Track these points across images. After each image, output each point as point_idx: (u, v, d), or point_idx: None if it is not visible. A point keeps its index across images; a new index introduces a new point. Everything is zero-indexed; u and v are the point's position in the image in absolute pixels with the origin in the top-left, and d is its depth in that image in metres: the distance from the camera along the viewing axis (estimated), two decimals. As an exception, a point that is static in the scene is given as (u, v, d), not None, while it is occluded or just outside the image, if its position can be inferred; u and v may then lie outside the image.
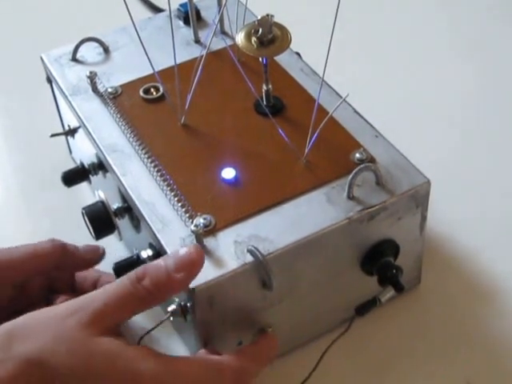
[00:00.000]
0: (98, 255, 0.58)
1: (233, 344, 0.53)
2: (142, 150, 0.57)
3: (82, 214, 0.58)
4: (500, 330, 0.58)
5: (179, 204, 0.53)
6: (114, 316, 0.45)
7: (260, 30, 0.54)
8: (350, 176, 0.52)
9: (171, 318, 0.51)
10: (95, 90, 0.64)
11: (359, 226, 0.52)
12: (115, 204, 0.58)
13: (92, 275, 0.58)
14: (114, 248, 0.63)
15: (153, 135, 0.59)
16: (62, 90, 0.65)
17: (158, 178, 0.55)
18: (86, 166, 0.64)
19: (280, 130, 0.57)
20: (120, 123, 0.60)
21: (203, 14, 0.72)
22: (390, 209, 0.53)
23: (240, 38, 0.55)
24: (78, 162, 0.66)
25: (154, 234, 0.52)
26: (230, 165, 0.55)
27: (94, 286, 0.58)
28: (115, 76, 0.66)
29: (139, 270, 0.47)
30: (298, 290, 0.53)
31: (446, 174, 0.69)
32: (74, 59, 0.68)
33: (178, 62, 0.59)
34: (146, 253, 0.54)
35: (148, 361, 0.44)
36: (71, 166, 0.66)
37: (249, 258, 0.49)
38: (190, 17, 0.68)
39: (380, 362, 0.57)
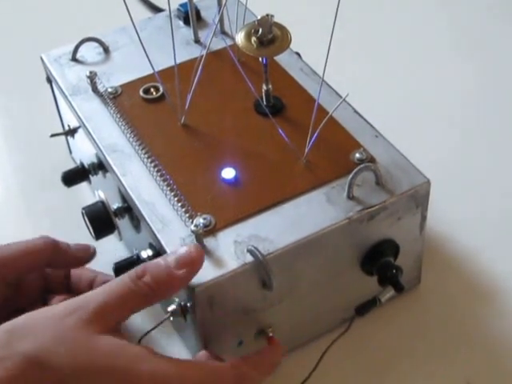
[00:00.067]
0: (89, 254, 0.58)
1: (233, 344, 0.53)
2: (141, 149, 0.57)
3: (82, 213, 0.58)
4: (500, 330, 0.58)
5: (179, 204, 0.53)
6: (114, 314, 0.45)
7: (260, 30, 0.54)
8: (350, 176, 0.52)
9: (171, 318, 0.51)
10: (95, 89, 0.64)
11: (359, 225, 0.52)
12: (115, 204, 0.58)
13: (88, 275, 0.58)
14: (114, 248, 0.64)
15: (153, 135, 0.59)
16: (61, 89, 0.65)
17: (158, 177, 0.55)
18: (86, 166, 0.64)
19: (280, 130, 0.57)
20: (120, 123, 0.60)
21: (203, 13, 0.72)
22: (390, 209, 0.53)
23: (240, 38, 0.55)
24: (78, 162, 0.66)
25: (154, 234, 0.52)
26: (229, 165, 0.55)
27: (90, 285, 0.57)
28: (115, 76, 0.66)
29: (139, 267, 0.47)
30: (297, 290, 0.53)
31: (446, 174, 0.69)
32: (74, 59, 0.68)
33: (178, 61, 0.59)
34: (146, 253, 0.54)
35: (148, 362, 0.44)
36: (71, 165, 0.66)
37: (249, 258, 0.49)
38: (190, 17, 0.68)
39: (380, 362, 0.57)
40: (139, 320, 0.51)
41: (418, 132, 0.75)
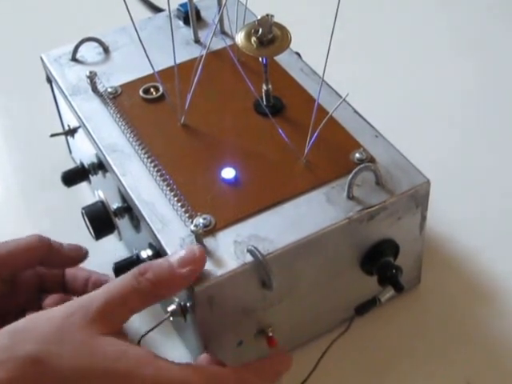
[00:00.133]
0: (81, 254, 0.58)
1: (233, 344, 0.53)
2: (141, 149, 0.57)
3: (82, 213, 0.58)
4: (500, 330, 0.58)
5: (179, 204, 0.53)
6: (117, 313, 0.45)
7: (260, 30, 0.54)
8: (350, 176, 0.52)
9: (171, 318, 0.51)
10: (95, 89, 0.64)
11: (359, 225, 0.52)
12: (115, 204, 0.58)
13: (82, 274, 0.58)
14: (114, 248, 0.64)
15: (153, 135, 0.59)
16: (61, 89, 0.65)
17: (158, 177, 0.55)
18: (86, 165, 0.64)
19: (280, 130, 0.57)
20: (120, 123, 0.60)
21: (203, 13, 0.72)
22: (390, 209, 0.53)
23: (240, 38, 0.55)
24: (78, 162, 0.66)
25: (154, 234, 0.52)
26: (229, 165, 0.55)
27: (85, 285, 0.58)
28: (115, 76, 0.66)
29: (141, 265, 0.47)
30: (297, 290, 0.53)
31: (446, 174, 0.69)
32: (74, 59, 0.68)
33: (178, 61, 0.59)
34: (146, 253, 0.54)
35: (151, 365, 0.44)
36: (71, 165, 0.66)
37: (248, 258, 0.49)
38: (190, 17, 0.68)
39: (380, 361, 0.57)
40: (139, 320, 0.51)
41: (417, 132, 0.75)
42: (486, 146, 0.74)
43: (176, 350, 0.58)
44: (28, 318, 0.45)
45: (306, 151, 0.55)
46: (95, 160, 0.62)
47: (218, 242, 0.51)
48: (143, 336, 0.49)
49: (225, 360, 0.50)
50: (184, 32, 0.70)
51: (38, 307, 0.54)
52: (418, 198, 0.54)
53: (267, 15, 0.55)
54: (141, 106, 0.62)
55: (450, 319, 0.59)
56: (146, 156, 0.57)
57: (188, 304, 0.50)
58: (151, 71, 0.58)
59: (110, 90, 0.63)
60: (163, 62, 0.63)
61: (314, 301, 0.55)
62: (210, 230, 0.51)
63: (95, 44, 0.69)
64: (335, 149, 0.56)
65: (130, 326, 0.47)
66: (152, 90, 0.63)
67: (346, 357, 0.56)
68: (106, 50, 0.69)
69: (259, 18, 0.54)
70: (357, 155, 0.55)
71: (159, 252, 0.52)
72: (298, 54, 0.67)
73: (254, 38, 0.55)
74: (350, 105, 0.60)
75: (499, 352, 0.57)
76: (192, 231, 0.50)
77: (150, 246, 0.54)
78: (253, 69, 0.62)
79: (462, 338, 0.58)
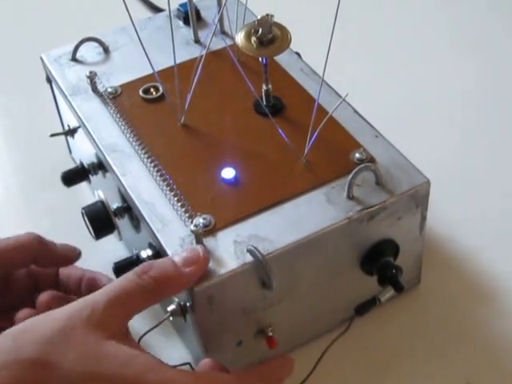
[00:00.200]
0: (74, 254, 0.58)
1: (232, 344, 0.53)
2: (141, 149, 0.57)
3: (82, 213, 0.58)
4: (500, 330, 0.58)
5: (179, 204, 0.53)
6: (120, 312, 0.45)
7: (260, 30, 0.54)
8: (350, 176, 0.52)
9: (171, 318, 0.51)
10: (95, 89, 0.64)
11: (359, 225, 0.52)
12: (115, 204, 0.58)
13: (76, 273, 0.58)
14: (114, 248, 0.64)
15: (152, 135, 0.59)
16: (61, 89, 0.65)
17: (158, 177, 0.55)
18: (86, 165, 0.64)
19: (280, 130, 0.57)
20: (120, 123, 0.60)
21: (203, 13, 0.72)
22: (390, 209, 0.53)
23: (240, 38, 0.55)
24: (78, 162, 0.66)
25: (154, 234, 0.52)
26: (229, 165, 0.55)
27: (79, 283, 0.58)
28: (115, 76, 0.66)
29: (144, 264, 0.47)
30: (297, 290, 0.53)
31: (446, 174, 0.69)
32: (74, 59, 0.68)
33: (178, 61, 0.59)
34: (146, 253, 0.54)
35: (156, 372, 0.43)
36: (71, 165, 0.66)
37: (248, 258, 0.49)
38: (190, 17, 0.68)
39: (380, 361, 0.57)
40: (139, 320, 0.51)
41: (418, 132, 0.75)
42: (485, 146, 0.74)
43: (176, 350, 0.58)
44: (31, 320, 0.45)
45: (305, 151, 0.55)
46: (95, 160, 0.62)
47: (217, 242, 0.51)
48: (143, 336, 0.49)
49: (225, 360, 0.50)
50: (184, 32, 0.70)
51: (32, 306, 0.54)
52: (418, 197, 0.54)
53: (267, 15, 0.55)
54: (141, 106, 0.62)
55: (450, 319, 0.59)
56: (145, 156, 0.57)
57: (188, 304, 0.50)
58: (151, 71, 0.58)
59: (110, 90, 0.63)
60: (163, 61, 0.63)
61: (313, 301, 0.55)
62: (209, 230, 0.51)
63: (95, 44, 0.69)
64: (335, 149, 0.56)
65: (130, 326, 0.47)
66: (152, 89, 0.63)
67: (345, 357, 0.56)
68: (106, 50, 0.69)
69: (259, 17, 0.54)
70: (357, 155, 0.55)
71: (159, 252, 0.52)
72: (298, 54, 0.67)
73: (253, 38, 0.55)
74: (350, 105, 0.60)
75: (499, 352, 0.57)
76: (192, 231, 0.50)
77: (150, 245, 0.54)
78: (253, 69, 0.62)
79: (462, 338, 0.58)
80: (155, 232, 0.52)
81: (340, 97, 0.60)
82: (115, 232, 0.60)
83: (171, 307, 0.51)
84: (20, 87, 0.85)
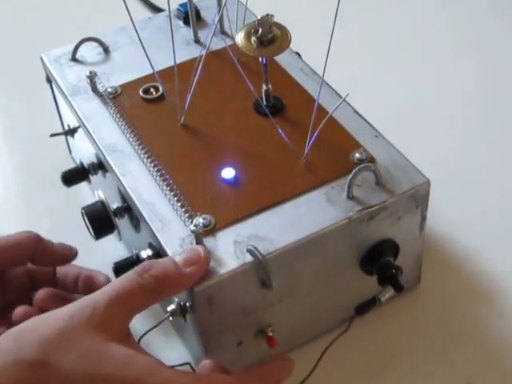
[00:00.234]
0: (71, 253, 0.58)
1: (232, 344, 0.53)
2: (141, 149, 0.57)
3: (82, 213, 0.58)
4: (500, 330, 0.58)
5: (179, 204, 0.53)
6: (121, 312, 0.45)
7: (260, 30, 0.54)
8: (350, 176, 0.52)
9: (171, 318, 0.51)
10: (95, 89, 0.64)
11: (359, 225, 0.52)
12: (115, 204, 0.58)
13: (73, 271, 0.58)
14: (114, 248, 0.64)
15: (152, 135, 0.59)
16: (61, 89, 0.65)
17: (158, 177, 0.55)
18: (86, 165, 0.64)
19: (280, 130, 0.57)
20: (120, 123, 0.60)
21: (203, 14, 0.72)
22: (390, 209, 0.53)
23: (240, 38, 0.55)
24: (78, 162, 0.66)
25: (154, 234, 0.52)
26: (229, 165, 0.55)
27: (76, 281, 0.58)
28: (115, 76, 0.66)
29: (144, 263, 0.47)
30: (297, 290, 0.53)
31: (446, 174, 0.69)
32: (74, 59, 0.68)
33: (178, 61, 0.59)
34: (146, 253, 0.54)
35: (157, 373, 0.43)
36: (71, 165, 0.66)
37: (248, 258, 0.49)
38: (190, 17, 0.68)
39: (380, 361, 0.57)
40: (139, 320, 0.51)
41: (418, 132, 0.75)
42: (486, 146, 0.74)
43: (176, 350, 0.58)
44: (33, 320, 0.45)
45: (305, 151, 0.55)
46: (95, 160, 0.62)
47: (217, 242, 0.51)
48: (143, 336, 0.49)
49: (225, 360, 0.50)
50: (184, 32, 0.70)
51: (29, 304, 0.54)
52: (418, 197, 0.54)
53: (267, 15, 0.55)
54: (141, 106, 0.62)
55: (450, 319, 0.59)
56: (145, 156, 0.57)
57: (188, 304, 0.50)
58: (151, 71, 0.58)
59: (109, 90, 0.63)
60: (163, 61, 0.63)
61: (314, 301, 0.55)
62: (209, 230, 0.51)
63: (95, 44, 0.69)
64: (335, 149, 0.56)
65: (130, 326, 0.47)
66: (152, 90, 0.63)
67: (345, 357, 0.56)
68: (106, 50, 0.69)
69: (259, 17, 0.54)
70: (357, 155, 0.55)
71: (159, 252, 0.52)
72: (298, 54, 0.67)
73: (253, 38, 0.55)
74: (350, 105, 0.60)
75: (499, 352, 0.57)
76: (192, 231, 0.50)
77: (150, 245, 0.54)
78: (253, 69, 0.62)
79: (462, 338, 0.58)
80: (155, 232, 0.52)
81: (340, 97, 0.60)
82: (115, 232, 0.60)
83: (171, 307, 0.51)
84: (20, 87, 0.85)
